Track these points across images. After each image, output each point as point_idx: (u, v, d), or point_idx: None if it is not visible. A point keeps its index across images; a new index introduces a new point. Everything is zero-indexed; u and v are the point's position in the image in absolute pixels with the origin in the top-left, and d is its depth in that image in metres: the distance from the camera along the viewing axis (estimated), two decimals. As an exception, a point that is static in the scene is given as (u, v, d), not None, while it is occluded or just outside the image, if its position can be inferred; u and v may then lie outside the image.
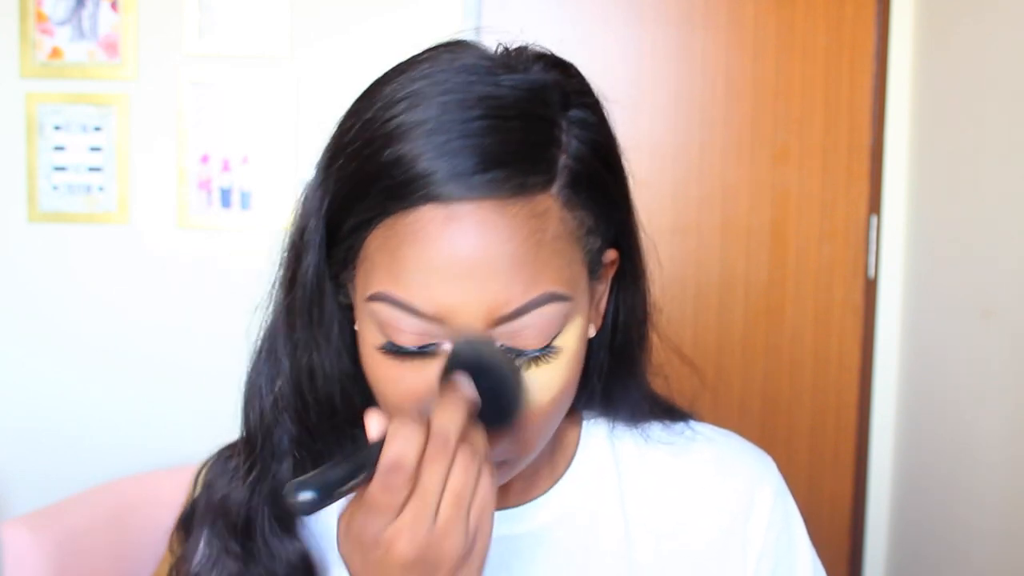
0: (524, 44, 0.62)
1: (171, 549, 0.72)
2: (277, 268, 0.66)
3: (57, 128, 2.23)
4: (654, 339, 0.72)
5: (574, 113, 0.59)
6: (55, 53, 2.22)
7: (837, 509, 2.27)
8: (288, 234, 0.65)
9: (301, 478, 0.50)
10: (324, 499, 0.50)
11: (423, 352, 0.57)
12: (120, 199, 2.24)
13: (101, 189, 2.24)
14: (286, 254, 0.65)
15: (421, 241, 0.54)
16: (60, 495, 2.00)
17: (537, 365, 0.58)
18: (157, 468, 2.14)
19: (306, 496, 0.49)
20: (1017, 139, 1.67)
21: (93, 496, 1.98)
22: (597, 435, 0.74)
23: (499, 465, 0.60)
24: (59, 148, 2.24)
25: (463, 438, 0.52)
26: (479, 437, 0.54)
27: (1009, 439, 1.66)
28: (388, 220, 0.56)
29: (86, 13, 2.22)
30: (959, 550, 1.85)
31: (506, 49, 0.61)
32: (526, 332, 0.56)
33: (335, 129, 0.61)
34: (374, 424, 0.54)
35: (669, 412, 0.75)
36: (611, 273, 0.66)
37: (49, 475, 2.20)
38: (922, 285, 2.12)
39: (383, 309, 0.57)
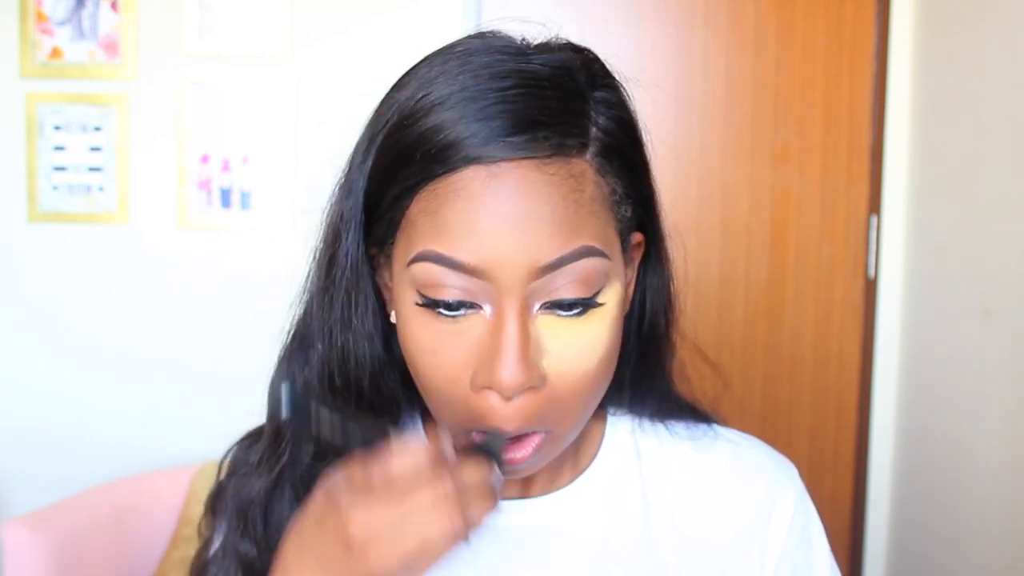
0: (553, 38, 0.64)
1: (199, 532, 0.73)
2: (311, 257, 0.67)
3: (57, 128, 2.23)
4: (675, 337, 0.74)
5: (599, 93, 0.61)
6: (55, 53, 2.23)
7: (837, 509, 2.27)
8: (325, 218, 0.66)
9: (296, 383, 0.51)
10: (296, 406, 0.51)
11: (462, 312, 0.57)
12: (120, 199, 2.24)
13: (101, 189, 2.25)
14: (325, 237, 0.66)
15: (464, 199, 0.56)
16: (60, 495, 2.00)
17: (582, 321, 0.58)
18: (157, 468, 2.14)
19: (284, 393, 0.51)
20: (1017, 139, 1.67)
21: (93, 496, 1.98)
22: (622, 430, 0.74)
23: (544, 438, 0.60)
24: (59, 148, 2.24)
25: (468, 503, 0.53)
26: (479, 510, 0.54)
27: (1009, 439, 1.66)
28: (430, 185, 0.57)
29: (86, 13, 2.22)
30: (959, 550, 1.85)
31: (527, 41, 0.63)
32: (568, 285, 0.57)
33: (371, 116, 0.63)
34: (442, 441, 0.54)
35: (692, 412, 0.76)
36: (638, 257, 0.67)
37: (49, 475, 2.20)
38: (922, 285, 2.12)
39: (426, 268, 0.57)
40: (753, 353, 2.27)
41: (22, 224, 2.26)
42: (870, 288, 2.25)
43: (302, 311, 0.68)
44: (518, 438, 0.59)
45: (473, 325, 0.57)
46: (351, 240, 0.63)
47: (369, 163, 0.61)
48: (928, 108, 2.12)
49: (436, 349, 0.58)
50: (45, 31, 2.22)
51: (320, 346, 0.65)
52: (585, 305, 0.58)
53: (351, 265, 0.63)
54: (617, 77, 0.65)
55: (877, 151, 2.23)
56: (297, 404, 0.50)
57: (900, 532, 2.19)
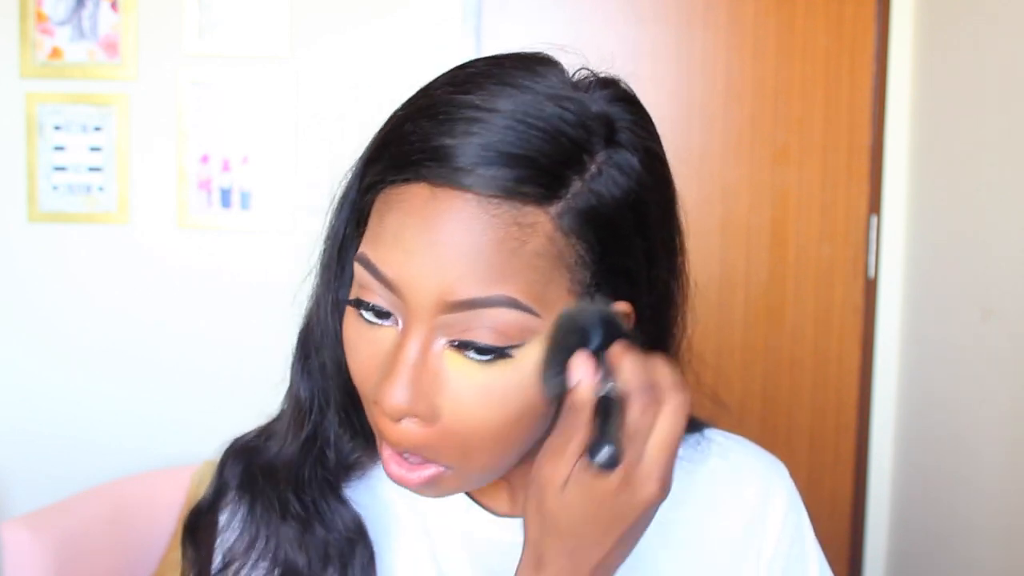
0: (613, 76, 0.62)
1: (184, 553, 0.71)
2: (323, 235, 0.67)
3: (57, 128, 2.23)
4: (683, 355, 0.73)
5: (620, 155, 0.58)
6: (55, 53, 2.23)
7: (837, 509, 2.27)
8: (334, 197, 0.66)
9: (595, 444, 0.54)
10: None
11: (379, 317, 0.57)
12: (120, 199, 2.24)
13: (101, 189, 2.25)
14: (330, 215, 0.66)
15: (403, 213, 0.55)
16: (60, 495, 2.00)
17: (492, 369, 0.55)
18: (157, 468, 2.14)
19: (611, 456, 0.53)
20: (1017, 139, 1.67)
21: (93, 496, 1.98)
22: None
23: (443, 473, 0.58)
24: (59, 148, 2.24)
25: (674, 387, 0.56)
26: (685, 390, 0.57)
27: (1009, 439, 1.66)
28: (386, 188, 0.57)
29: (86, 13, 2.22)
30: (959, 550, 1.85)
31: (592, 73, 0.61)
32: (483, 330, 0.55)
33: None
34: (581, 370, 0.55)
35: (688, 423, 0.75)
36: (627, 324, 0.63)
37: (49, 475, 2.20)
38: (922, 285, 2.12)
39: (360, 270, 0.58)
40: (753, 353, 2.27)
41: (22, 224, 2.26)
42: (870, 288, 2.25)
43: (312, 303, 0.67)
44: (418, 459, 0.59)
45: (387, 336, 0.57)
46: (343, 216, 0.63)
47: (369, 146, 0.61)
48: (928, 108, 2.12)
49: (355, 348, 0.59)
50: (45, 31, 2.22)
51: (327, 325, 0.65)
52: (495, 353, 0.55)
53: (337, 239, 0.64)
54: (659, 150, 0.62)
55: (877, 151, 2.23)
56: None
57: (900, 532, 2.19)
